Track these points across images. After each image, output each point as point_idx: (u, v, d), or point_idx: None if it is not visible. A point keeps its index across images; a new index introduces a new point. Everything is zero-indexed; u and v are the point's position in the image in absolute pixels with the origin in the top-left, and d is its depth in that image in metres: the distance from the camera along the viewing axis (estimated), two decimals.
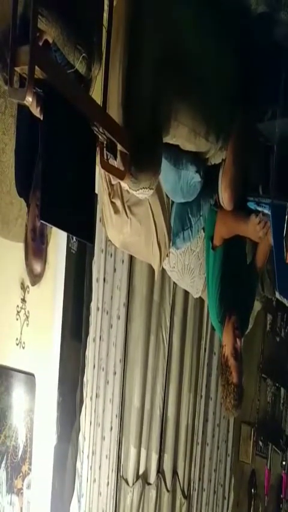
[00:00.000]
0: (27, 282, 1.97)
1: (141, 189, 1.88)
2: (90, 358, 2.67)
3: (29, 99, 1.42)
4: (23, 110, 1.66)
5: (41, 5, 1.45)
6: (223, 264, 2.39)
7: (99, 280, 2.70)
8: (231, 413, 2.48)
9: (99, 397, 2.75)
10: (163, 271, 2.78)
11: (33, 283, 1.81)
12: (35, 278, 1.78)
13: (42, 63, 1.44)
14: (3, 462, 2.15)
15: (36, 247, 1.72)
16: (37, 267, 1.74)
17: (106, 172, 1.89)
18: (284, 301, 2.77)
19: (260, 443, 4.24)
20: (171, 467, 3.36)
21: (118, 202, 2.20)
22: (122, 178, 1.83)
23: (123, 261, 2.85)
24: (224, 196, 2.32)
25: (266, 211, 2.34)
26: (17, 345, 2.25)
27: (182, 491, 3.46)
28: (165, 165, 2.09)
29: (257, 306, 3.24)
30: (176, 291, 3.27)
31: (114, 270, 2.79)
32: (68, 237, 2.43)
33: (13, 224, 1.90)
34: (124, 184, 1.89)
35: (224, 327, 2.41)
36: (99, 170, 1.87)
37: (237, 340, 2.39)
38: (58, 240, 2.41)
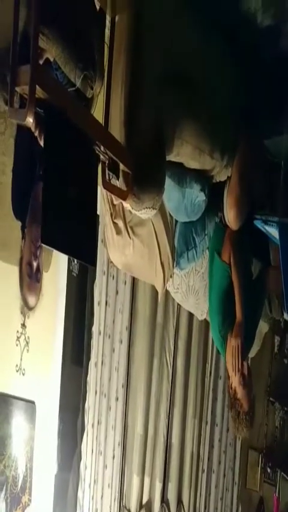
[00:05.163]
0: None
1: (144, 209, 1.84)
2: (91, 383, 2.60)
3: (30, 120, 1.38)
4: (22, 129, 1.63)
5: (42, 23, 1.42)
6: (230, 280, 2.31)
7: (101, 304, 2.63)
8: (242, 434, 2.45)
9: (101, 424, 2.67)
10: (167, 292, 2.72)
11: (26, 313, 1.89)
12: (29, 310, 1.83)
13: (43, 82, 1.41)
14: (3, 493, 2.08)
15: (31, 283, 1.75)
16: (31, 301, 1.78)
17: (108, 193, 1.85)
18: None
19: (268, 469, 4.13)
20: (175, 496, 3.25)
21: (120, 223, 2.15)
22: (124, 199, 1.79)
23: (125, 283, 2.78)
24: (230, 216, 2.27)
25: (274, 230, 2.29)
26: (17, 371, 2.19)
27: None
28: (169, 183, 2.04)
29: (265, 327, 3.16)
30: (180, 313, 3.19)
31: (117, 292, 2.73)
32: (69, 259, 2.38)
33: (13, 247, 1.86)
34: (127, 205, 1.84)
35: (227, 347, 2.32)
36: (101, 190, 1.83)
37: (243, 365, 2.31)
38: (59, 263, 2.36)
